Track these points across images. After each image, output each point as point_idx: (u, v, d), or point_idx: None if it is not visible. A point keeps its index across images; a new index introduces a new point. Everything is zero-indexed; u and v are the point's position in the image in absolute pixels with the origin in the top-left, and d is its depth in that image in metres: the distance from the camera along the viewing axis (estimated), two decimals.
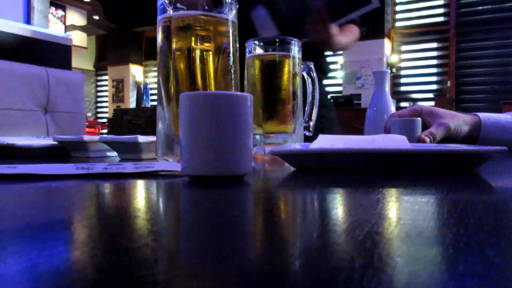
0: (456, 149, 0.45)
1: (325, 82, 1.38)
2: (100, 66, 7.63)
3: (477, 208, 0.28)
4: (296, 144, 0.59)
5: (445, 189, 0.35)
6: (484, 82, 4.65)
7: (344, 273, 0.14)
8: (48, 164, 0.46)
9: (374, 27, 4.72)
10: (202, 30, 0.50)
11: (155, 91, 2.56)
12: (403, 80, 5.07)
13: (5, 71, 1.34)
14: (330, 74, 5.28)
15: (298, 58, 0.72)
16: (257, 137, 0.70)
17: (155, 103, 5.06)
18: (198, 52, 0.50)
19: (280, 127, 0.71)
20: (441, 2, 4.83)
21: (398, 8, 4.99)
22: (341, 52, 5.09)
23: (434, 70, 4.94)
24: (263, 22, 0.99)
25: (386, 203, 0.29)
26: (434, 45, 4.88)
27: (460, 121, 0.80)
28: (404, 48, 5.05)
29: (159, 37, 0.51)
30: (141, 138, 0.63)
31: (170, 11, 0.50)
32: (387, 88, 1.04)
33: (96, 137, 0.71)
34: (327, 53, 1.32)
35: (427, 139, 0.75)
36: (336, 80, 5.23)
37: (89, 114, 7.42)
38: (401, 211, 0.27)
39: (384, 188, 0.35)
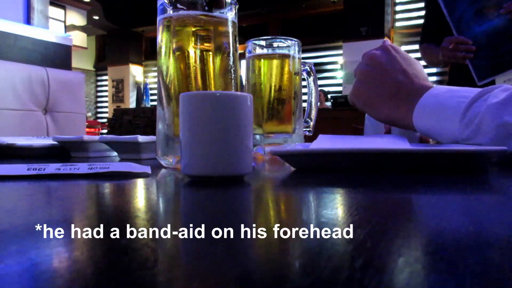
0: (456, 149, 0.45)
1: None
2: (100, 66, 7.62)
3: (477, 208, 0.28)
4: (296, 144, 0.59)
5: (445, 189, 0.35)
6: None
7: (344, 273, 0.14)
8: None
9: (374, 27, 4.72)
10: (202, 30, 0.50)
11: (155, 91, 2.56)
12: None
13: (5, 71, 1.34)
14: (330, 74, 5.31)
15: (298, 58, 0.72)
16: (257, 137, 0.70)
17: (155, 103, 5.06)
18: (198, 52, 0.50)
19: (280, 127, 0.71)
20: None
21: (398, 8, 4.98)
22: (341, 52, 5.10)
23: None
24: None
25: (386, 203, 0.29)
26: None
27: None
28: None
29: (159, 37, 0.51)
30: (141, 138, 0.63)
31: (170, 11, 0.50)
32: None
33: (96, 137, 0.71)
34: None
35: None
36: (336, 80, 5.22)
37: (89, 114, 7.41)
38: (401, 211, 0.27)
39: (384, 188, 0.36)
